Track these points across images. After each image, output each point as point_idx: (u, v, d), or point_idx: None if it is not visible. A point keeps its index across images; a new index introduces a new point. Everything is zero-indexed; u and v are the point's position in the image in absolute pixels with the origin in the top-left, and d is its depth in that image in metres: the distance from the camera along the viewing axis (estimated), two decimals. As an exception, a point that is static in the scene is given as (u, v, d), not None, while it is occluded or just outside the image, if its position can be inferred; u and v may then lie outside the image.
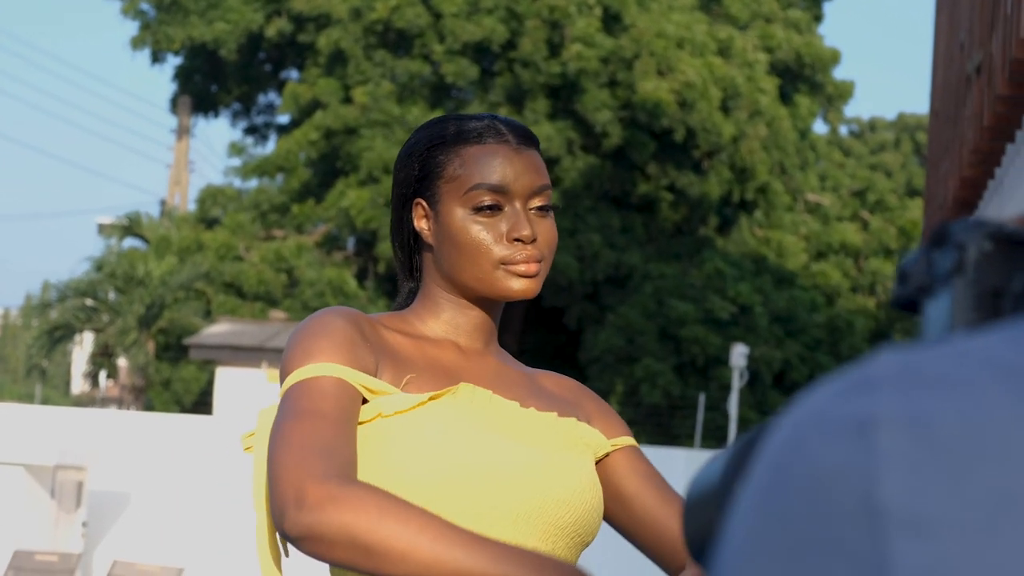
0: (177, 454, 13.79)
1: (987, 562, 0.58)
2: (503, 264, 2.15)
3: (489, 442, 2.09)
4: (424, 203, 2.20)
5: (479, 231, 2.15)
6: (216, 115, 33.16)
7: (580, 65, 26.34)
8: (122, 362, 29.23)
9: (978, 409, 0.61)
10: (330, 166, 28.37)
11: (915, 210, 33.04)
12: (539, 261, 2.16)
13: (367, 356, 2.09)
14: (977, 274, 0.82)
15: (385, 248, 26.59)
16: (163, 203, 36.69)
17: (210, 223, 30.33)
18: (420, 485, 2.03)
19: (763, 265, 28.10)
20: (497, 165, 2.16)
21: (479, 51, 27.51)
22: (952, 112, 9.11)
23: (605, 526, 2.23)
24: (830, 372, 27.73)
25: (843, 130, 40.21)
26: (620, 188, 27.40)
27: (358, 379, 2.04)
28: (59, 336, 27.70)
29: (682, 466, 12.96)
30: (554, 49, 27.03)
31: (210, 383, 26.30)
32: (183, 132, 35.82)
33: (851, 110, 68.44)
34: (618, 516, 2.24)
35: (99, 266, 28.16)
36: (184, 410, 26.96)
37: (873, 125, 41.65)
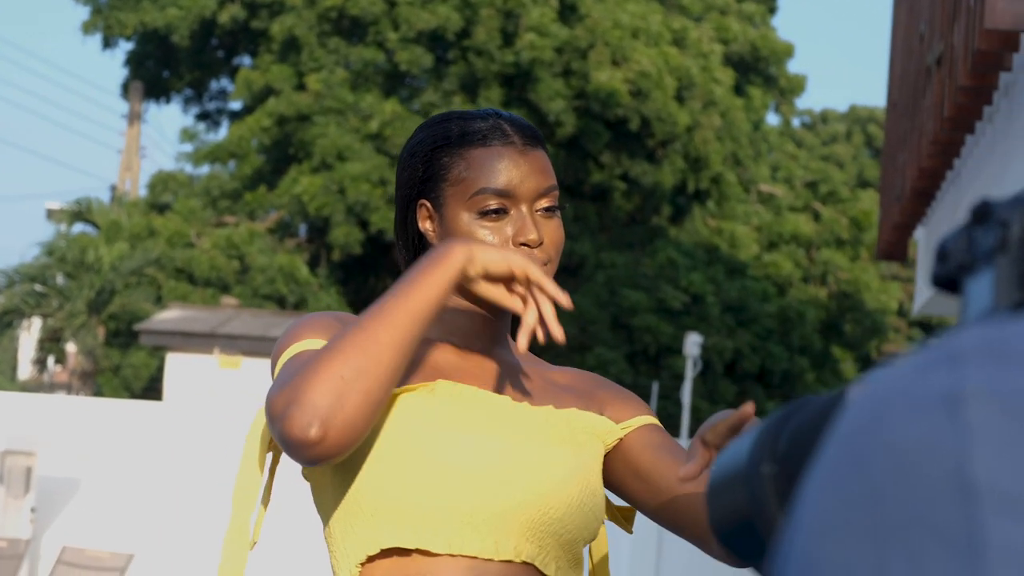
0: (127, 440, 13.71)
1: None
2: None
3: (462, 439, 2.06)
4: (428, 204, 2.18)
5: (485, 235, 2.13)
6: (168, 101, 32.96)
7: (534, 54, 26.32)
8: (71, 347, 29.06)
9: None
10: (283, 153, 28.26)
11: (867, 201, 33.17)
12: (546, 263, 2.14)
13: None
14: (1022, 251, 0.81)
15: (338, 235, 26.51)
16: (114, 189, 36.47)
17: (161, 209, 30.17)
18: (388, 482, 2.03)
19: (715, 255, 28.18)
20: (503, 169, 2.14)
21: (433, 39, 27.45)
22: (911, 103, 9.12)
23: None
24: (781, 362, 27.96)
25: (795, 122, 40.38)
26: (574, 177, 27.40)
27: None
28: (7, 321, 27.50)
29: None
30: (508, 38, 27.00)
31: (160, 369, 26.17)
32: (134, 118, 35.59)
33: (803, 102, 68.76)
34: (642, 496, 2.20)
35: (49, 251, 27.97)
36: (134, 396, 26.82)
37: (825, 117, 41.83)
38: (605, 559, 2.28)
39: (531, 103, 26.87)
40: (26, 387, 36.35)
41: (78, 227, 30.23)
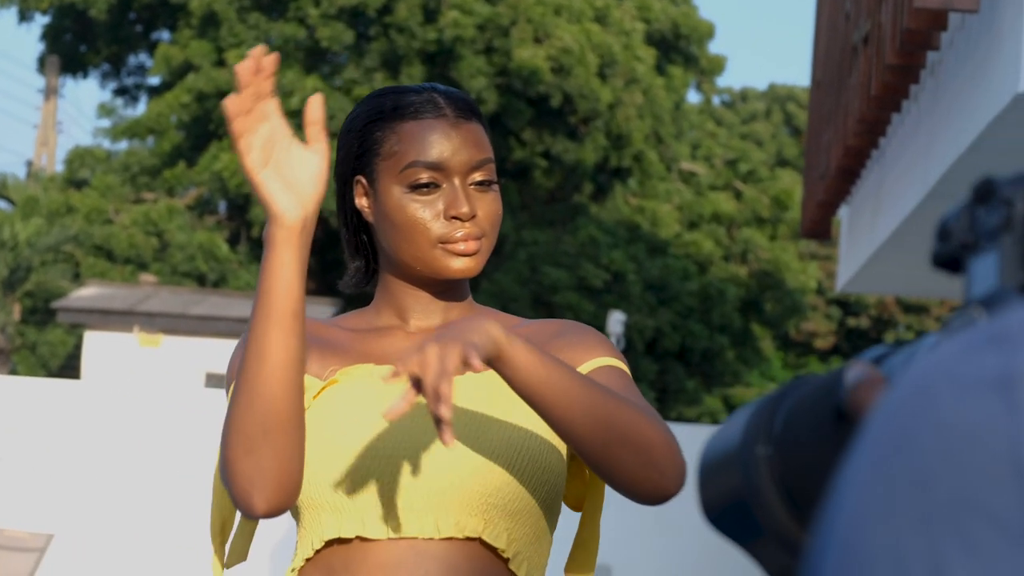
0: (45, 419, 13.57)
1: None
2: (441, 243, 2.10)
3: (391, 423, 2.04)
4: (364, 180, 2.16)
5: (416, 209, 2.10)
6: (85, 76, 32.61)
7: (456, 32, 26.26)
8: (-15, 325, 28.75)
9: None
10: (202, 129, 28.06)
11: (787, 180, 33.39)
12: (479, 238, 2.11)
13: None
14: None
15: (258, 212, 26.38)
16: (30, 164, 36.12)
17: (79, 185, 29.90)
18: (324, 475, 2.04)
19: (637, 233, 28.26)
20: (434, 141, 2.11)
21: (355, 16, 27.31)
22: (836, 82, 9.16)
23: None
24: (701, 340, 28.12)
25: (715, 100, 40.57)
26: (495, 154, 27.31)
27: None
28: (-80, 298, 27.18)
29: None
30: (430, 15, 26.92)
31: (78, 347, 25.95)
32: (51, 92, 35.24)
33: (723, 80, 68.97)
34: None
35: (-37, 227, 27.65)
36: (50, 374, 26.60)
37: (745, 95, 42.03)
38: (593, 517, 2.21)
39: (453, 81, 26.81)
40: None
41: (-7, 203, 29.92)
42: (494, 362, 1.87)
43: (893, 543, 0.58)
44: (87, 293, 20.95)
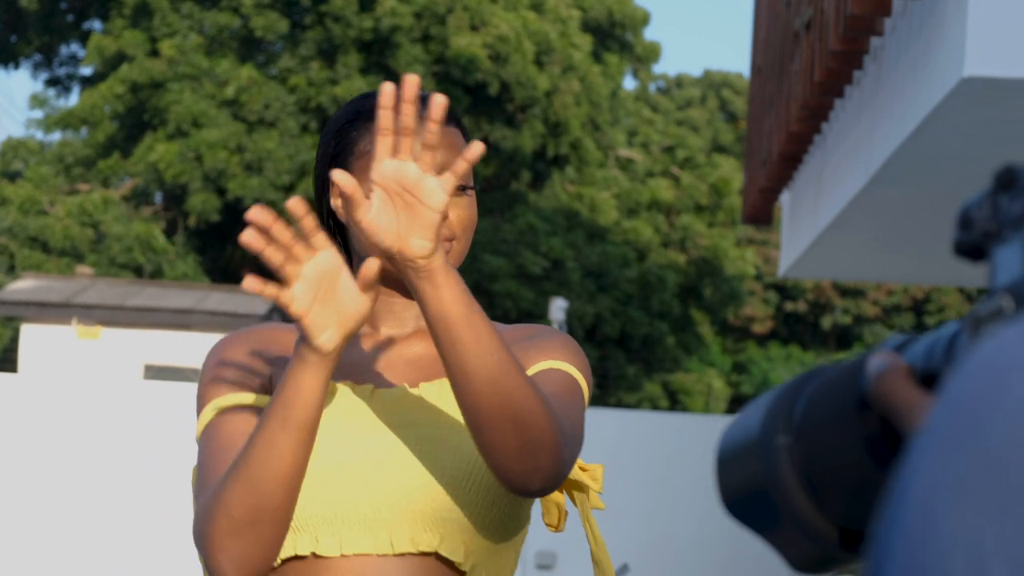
0: (-16, 413, 13.45)
1: None
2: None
3: (340, 440, 2.03)
4: None
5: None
6: (16, 66, 32.32)
7: (393, 21, 26.17)
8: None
9: None
10: (137, 120, 27.86)
11: (725, 167, 33.49)
12: (449, 240, 2.07)
13: (256, 375, 2.11)
14: None
15: (194, 203, 26.22)
16: (-39, 156, 35.76)
17: (12, 177, 29.64)
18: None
19: (575, 220, 28.28)
20: None
21: (289, 4, 27.18)
22: (777, 68, 9.19)
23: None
24: (641, 326, 28.19)
25: (651, 87, 40.64)
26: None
27: (238, 400, 2.07)
28: None
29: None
30: (366, 3, 26.82)
31: (14, 340, 25.73)
32: (-18, 83, 34.88)
33: (658, 67, 69.11)
34: None
35: None
36: (-14, 368, 26.36)
37: (680, 82, 42.13)
38: (592, 535, 2.19)
39: (390, 69, 26.74)
40: None
41: (-75, 195, 29.62)
42: (424, 273, 1.86)
43: (964, 528, 0.58)
44: (23, 286, 20.75)
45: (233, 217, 28.13)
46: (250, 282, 1.86)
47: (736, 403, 35.68)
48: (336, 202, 2.15)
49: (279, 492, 1.91)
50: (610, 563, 2.19)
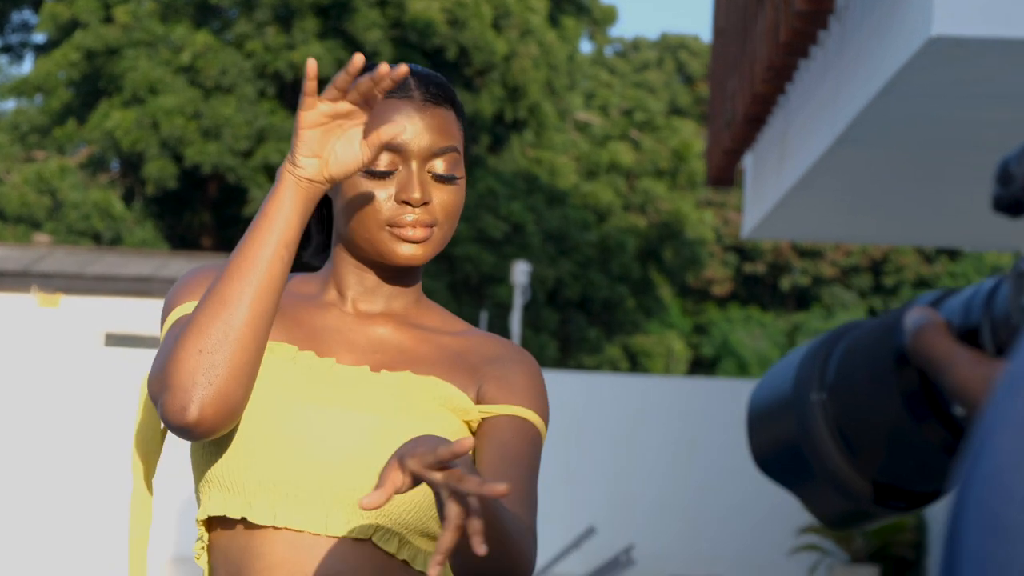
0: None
1: None
2: (389, 226, 2.04)
3: (295, 411, 2.00)
4: None
5: (368, 188, 2.05)
6: (-32, 33, 32.08)
7: (350, -16, 26.06)
8: None
9: None
10: (92, 87, 27.66)
11: (685, 130, 33.51)
12: (430, 226, 2.05)
13: None
14: None
15: (151, 169, 26.05)
16: (-85, 125, 35.47)
17: (-33, 145, 29.42)
18: (222, 451, 2.01)
19: (535, 184, 28.28)
20: (396, 122, 2.05)
21: (244, -32, 27.02)
22: (740, 29, 9.18)
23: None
24: (601, 289, 28.23)
25: (607, 50, 40.61)
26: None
27: None
28: None
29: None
30: (322, -33, 26.69)
31: (-28, 310, 25.55)
32: (-65, 51, 34.60)
33: (615, 31, 69.13)
34: None
35: None
36: (-56, 338, 26.19)
37: (637, 45, 42.10)
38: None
39: (347, 34, 26.63)
40: None
41: None
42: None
43: None
44: (-20, 255, 20.58)
45: (191, 184, 27.99)
46: (311, 65, 1.93)
47: (696, 365, 35.79)
48: None
49: (255, 308, 1.93)
50: None
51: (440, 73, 2.18)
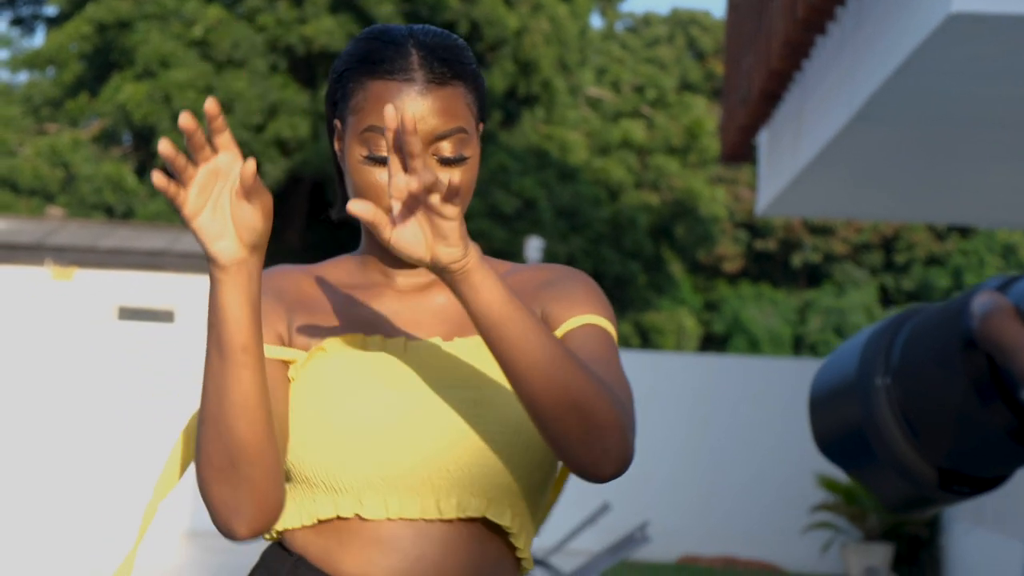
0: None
1: None
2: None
3: (380, 398, 1.97)
4: (339, 127, 2.06)
5: (368, 175, 1.99)
6: (-20, 6, 32.07)
7: (362, -43, 26.00)
8: None
9: None
10: (104, 60, 27.64)
11: (697, 106, 33.43)
12: None
13: (271, 322, 2.03)
14: None
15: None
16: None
17: (-21, 117, 29.44)
18: (316, 452, 1.97)
19: (546, 160, 28.24)
20: (396, 108, 1.97)
21: (257, -58, 26.97)
22: (756, 5, 9.15)
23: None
24: (613, 266, 28.21)
25: (618, 26, 40.53)
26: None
27: (270, 354, 2.00)
28: None
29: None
30: (334, -59, 26.64)
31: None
32: (-54, 23, 34.61)
33: (625, 6, 69.07)
34: None
35: None
36: (-44, 311, 26.24)
37: (648, 20, 42.00)
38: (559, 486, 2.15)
39: (359, 8, 26.58)
40: None
41: None
42: (459, 276, 1.81)
43: None
44: (-8, 228, 20.62)
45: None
46: (157, 178, 1.75)
47: (707, 342, 35.78)
48: (338, 145, 2.06)
49: (241, 426, 1.85)
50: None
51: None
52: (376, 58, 2.01)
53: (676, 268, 31.88)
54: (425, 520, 1.97)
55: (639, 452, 13.32)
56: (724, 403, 13.58)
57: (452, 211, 1.79)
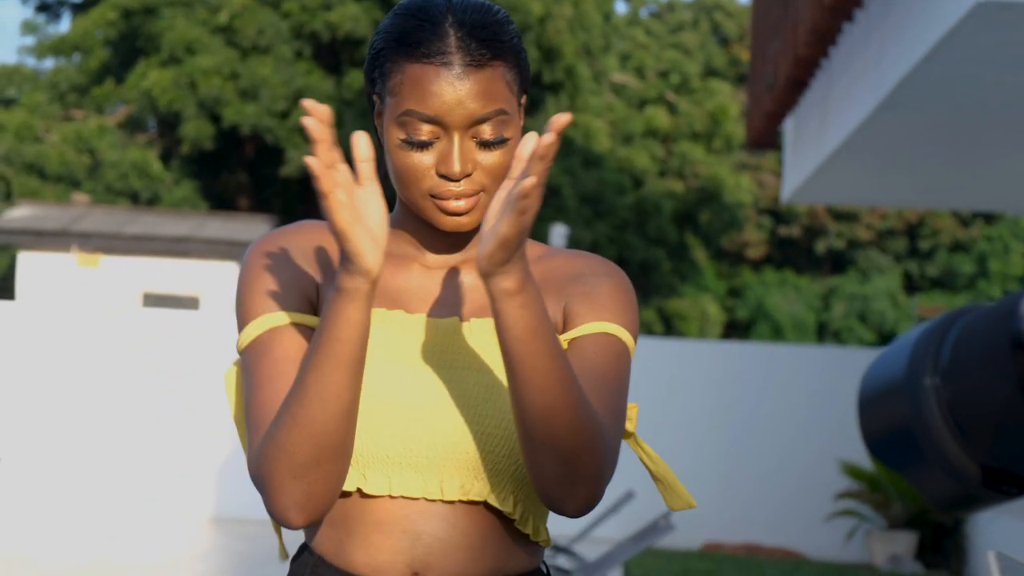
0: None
1: None
2: (432, 196, 1.97)
3: (397, 376, 1.97)
4: (378, 103, 2.03)
5: (407, 158, 1.97)
6: (7, -8, 32.10)
7: (386, -57, 26.00)
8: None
9: None
10: (130, 46, 27.69)
11: (721, 92, 33.36)
12: (474, 195, 1.97)
13: (303, 284, 2.02)
14: None
15: (189, 130, 26.10)
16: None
17: (6, 103, 29.51)
18: None
19: (570, 147, 28.22)
20: (435, 92, 1.95)
21: (281, -72, 26.98)
22: (783, -8, 9.13)
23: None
24: (638, 252, 28.21)
25: (642, 12, 40.46)
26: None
27: (285, 319, 1.98)
28: None
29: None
30: (359, -74, 26.63)
31: (11, 268, 25.70)
32: (-28, 10, 34.65)
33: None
34: None
35: None
36: (-18, 296, 26.35)
37: (672, 6, 41.94)
38: (650, 458, 2.15)
39: (383, -7, 26.60)
40: None
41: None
42: (503, 295, 1.80)
43: None
44: (19, 214, 20.68)
45: (228, 144, 28.01)
46: (313, 161, 1.79)
47: (731, 328, 35.74)
48: (377, 121, 2.04)
49: (339, 430, 1.85)
50: (674, 476, 2.15)
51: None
52: (412, 39, 1.97)
53: (700, 255, 31.83)
54: (427, 500, 1.97)
55: (663, 439, 13.33)
56: (748, 390, 13.57)
57: (531, 204, 1.77)
